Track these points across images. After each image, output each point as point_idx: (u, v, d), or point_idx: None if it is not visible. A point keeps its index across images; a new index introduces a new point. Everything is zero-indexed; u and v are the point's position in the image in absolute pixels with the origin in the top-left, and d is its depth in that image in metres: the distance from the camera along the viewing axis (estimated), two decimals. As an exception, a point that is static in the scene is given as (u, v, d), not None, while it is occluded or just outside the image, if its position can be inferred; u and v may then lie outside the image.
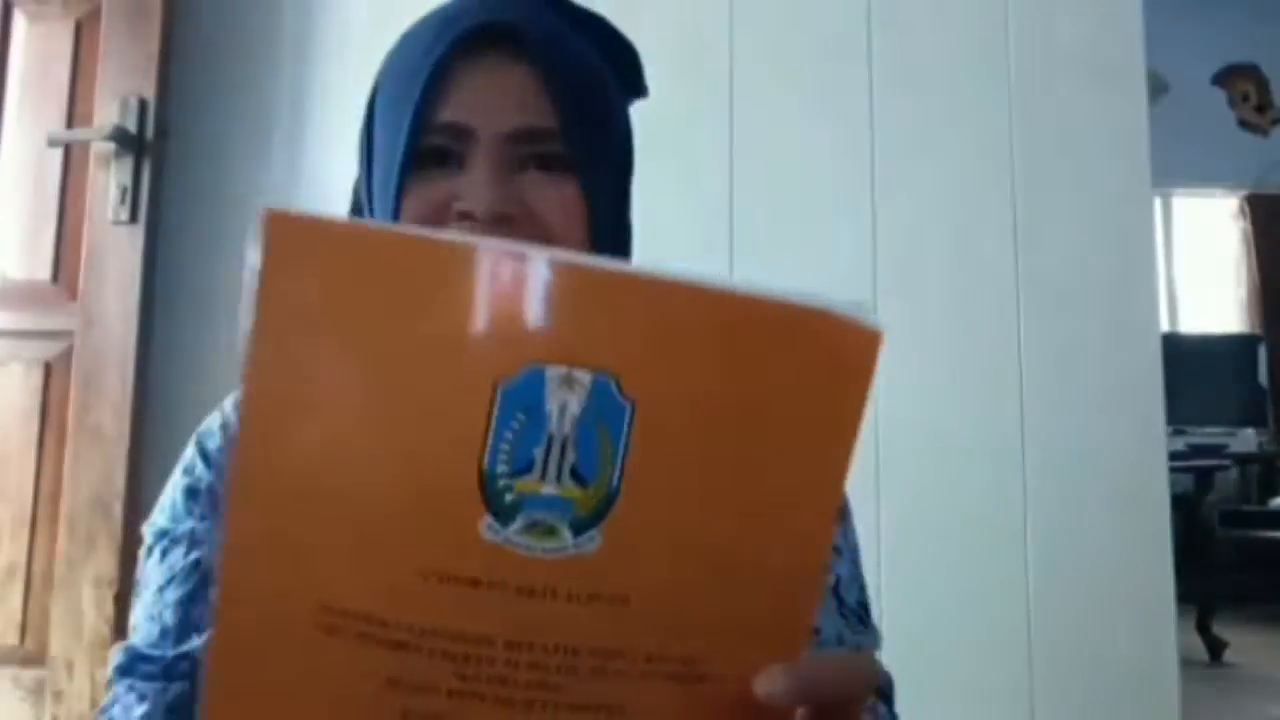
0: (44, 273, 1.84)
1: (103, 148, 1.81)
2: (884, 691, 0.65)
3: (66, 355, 1.80)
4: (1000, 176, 1.81)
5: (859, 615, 0.67)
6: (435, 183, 0.61)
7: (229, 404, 0.71)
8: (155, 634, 0.64)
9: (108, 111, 1.81)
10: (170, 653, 0.63)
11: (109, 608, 1.70)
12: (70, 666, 1.70)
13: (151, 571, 0.66)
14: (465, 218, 0.59)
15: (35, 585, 1.76)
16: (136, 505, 1.74)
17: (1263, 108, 5.32)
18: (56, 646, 1.71)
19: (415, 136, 0.60)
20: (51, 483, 1.77)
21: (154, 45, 1.82)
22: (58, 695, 1.70)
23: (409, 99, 0.60)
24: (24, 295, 1.84)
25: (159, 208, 1.83)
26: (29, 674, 1.73)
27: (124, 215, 1.79)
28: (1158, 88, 3.74)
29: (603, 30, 0.67)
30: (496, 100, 0.60)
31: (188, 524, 0.67)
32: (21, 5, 1.91)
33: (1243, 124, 5.32)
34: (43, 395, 1.81)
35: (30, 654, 1.74)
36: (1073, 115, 1.81)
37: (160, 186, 1.83)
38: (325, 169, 1.87)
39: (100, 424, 1.75)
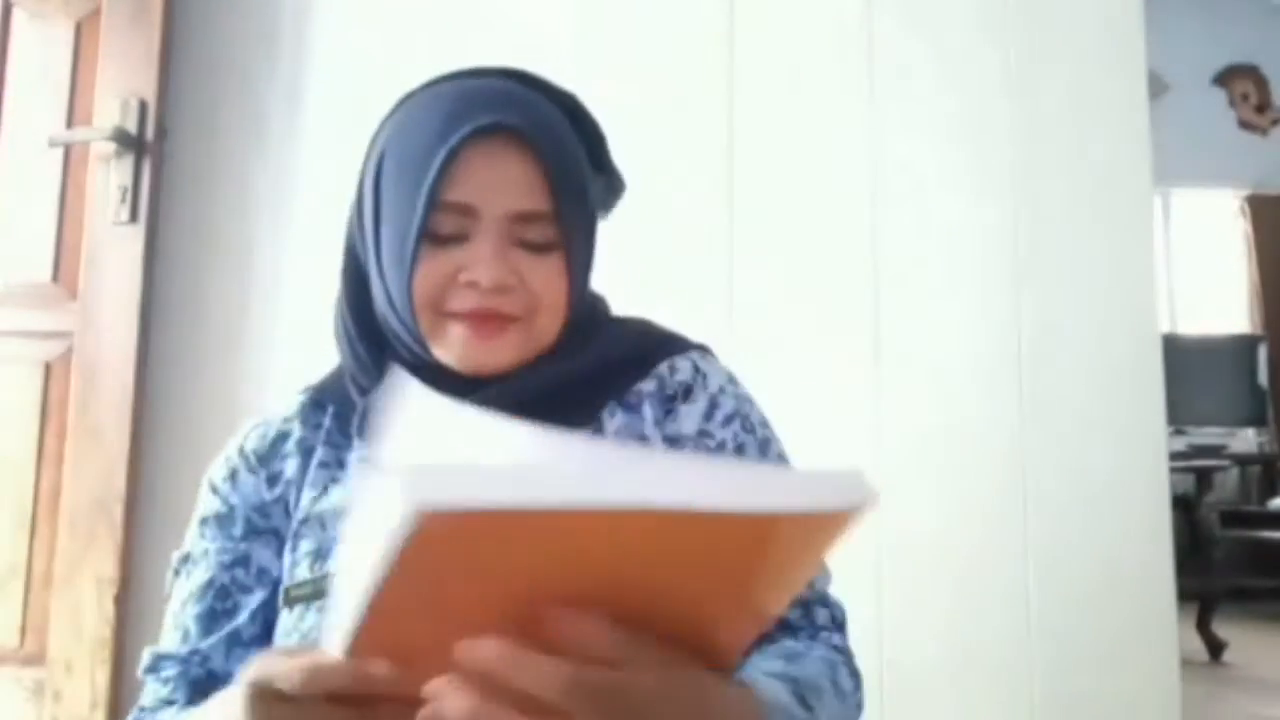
0: (44, 273, 1.84)
1: (103, 148, 1.81)
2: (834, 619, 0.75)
3: (66, 355, 1.80)
4: (1000, 176, 1.81)
5: None
6: (443, 255, 0.70)
7: (233, 447, 0.81)
8: (177, 639, 0.75)
9: (108, 111, 1.81)
10: (186, 650, 0.74)
11: (109, 608, 1.70)
12: (70, 667, 1.70)
13: (177, 590, 0.77)
14: (471, 286, 0.70)
15: (35, 585, 1.76)
16: (136, 505, 1.74)
17: (1263, 108, 5.32)
18: (56, 647, 1.71)
19: (427, 215, 0.69)
20: (51, 483, 1.77)
21: (154, 45, 1.82)
22: (57, 695, 1.70)
23: (421, 181, 0.69)
24: (24, 295, 1.84)
25: (159, 208, 1.83)
26: (29, 674, 1.73)
27: (124, 215, 1.79)
28: (1158, 88, 3.74)
29: (574, 107, 0.77)
30: (500, 186, 0.70)
31: (201, 545, 0.77)
32: (21, 5, 1.91)
33: (1243, 124, 5.31)
34: (43, 395, 1.81)
35: (30, 654, 1.74)
36: (1073, 115, 1.81)
37: (160, 186, 1.83)
38: (322, 169, 1.87)
39: (100, 424, 1.75)
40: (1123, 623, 1.69)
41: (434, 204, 0.69)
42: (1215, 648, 3.33)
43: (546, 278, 0.72)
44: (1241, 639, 3.49)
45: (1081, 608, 1.70)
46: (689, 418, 0.76)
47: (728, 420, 0.76)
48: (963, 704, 1.67)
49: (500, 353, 0.71)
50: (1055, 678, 1.68)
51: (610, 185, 0.81)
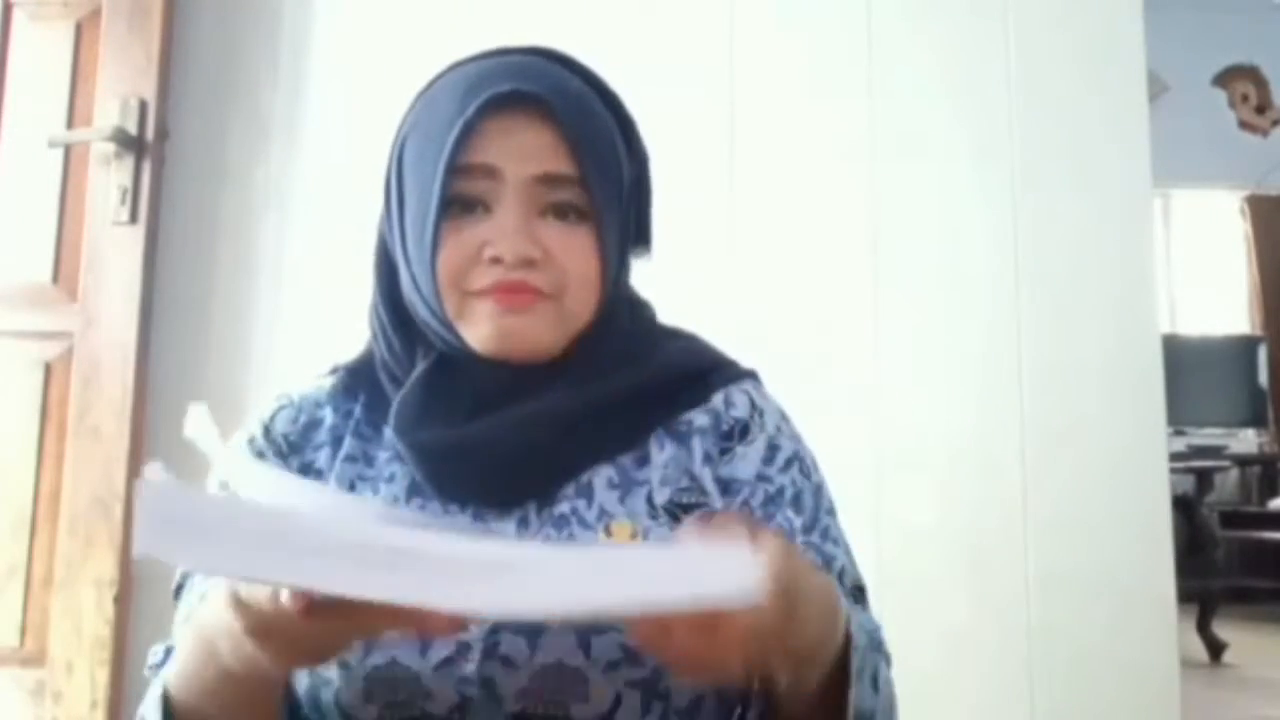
0: (44, 273, 1.84)
1: (103, 148, 1.81)
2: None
3: (66, 355, 1.80)
4: (1000, 176, 1.81)
5: (854, 596, 0.74)
6: (466, 230, 0.67)
7: (257, 426, 0.75)
8: None
9: (108, 112, 1.81)
10: None
11: (109, 608, 1.70)
12: (70, 667, 1.70)
13: (198, 580, 0.70)
14: (496, 262, 0.66)
15: (35, 586, 1.76)
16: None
17: (1263, 108, 5.32)
18: (56, 647, 1.71)
19: (447, 183, 0.66)
20: (51, 483, 1.77)
21: (154, 45, 1.82)
22: (58, 696, 1.70)
23: (440, 150, 0.67)
24: (24, 295, 1.84)
25: (159, 208, 1.83)
26: (29, 674, 1.73)
27: (124, 215, 1.79)
28: (1158, 88, 3.74)
29: (610, 97, 0.74)
30: (520, 152, 0.67)
31: None
32: (21, 5, 1.91)
33: (1243, 124, 5.32)
34: (43, 395, 1.81)
35: (30, 655, 1.74)
36: (1073, 115, 1.81)
37: (160, 186, 1.83)
38: (323, 169, 1.87)
39: (100, 424, 1.75)
40: (1123, 623, 1.69)
41: (452, 170, 0.66)
42: (1215, 649, 3.33)
43: (575, 249, 0.68)
44: (1241, 640, 3.49)
45: (1081, 608, 1.70)
46: (746, 461, 0.73)
47: (786, 465, 0.74)
48: (963, 704, 1.67)
49: (532, 329, 0.68)
50: (1055, 678, 1.68)
51: (642, 181, 0.77)
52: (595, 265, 0.69)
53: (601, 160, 0.69)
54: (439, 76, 0.73)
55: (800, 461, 0.75)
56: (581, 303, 0.69)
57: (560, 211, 0.68)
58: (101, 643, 1.69)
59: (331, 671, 0.65)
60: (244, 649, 0.51)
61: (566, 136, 0.67)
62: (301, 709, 0.67)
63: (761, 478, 0.73)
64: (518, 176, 0.67)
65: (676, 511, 0.70)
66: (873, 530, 1.68)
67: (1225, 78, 5.30)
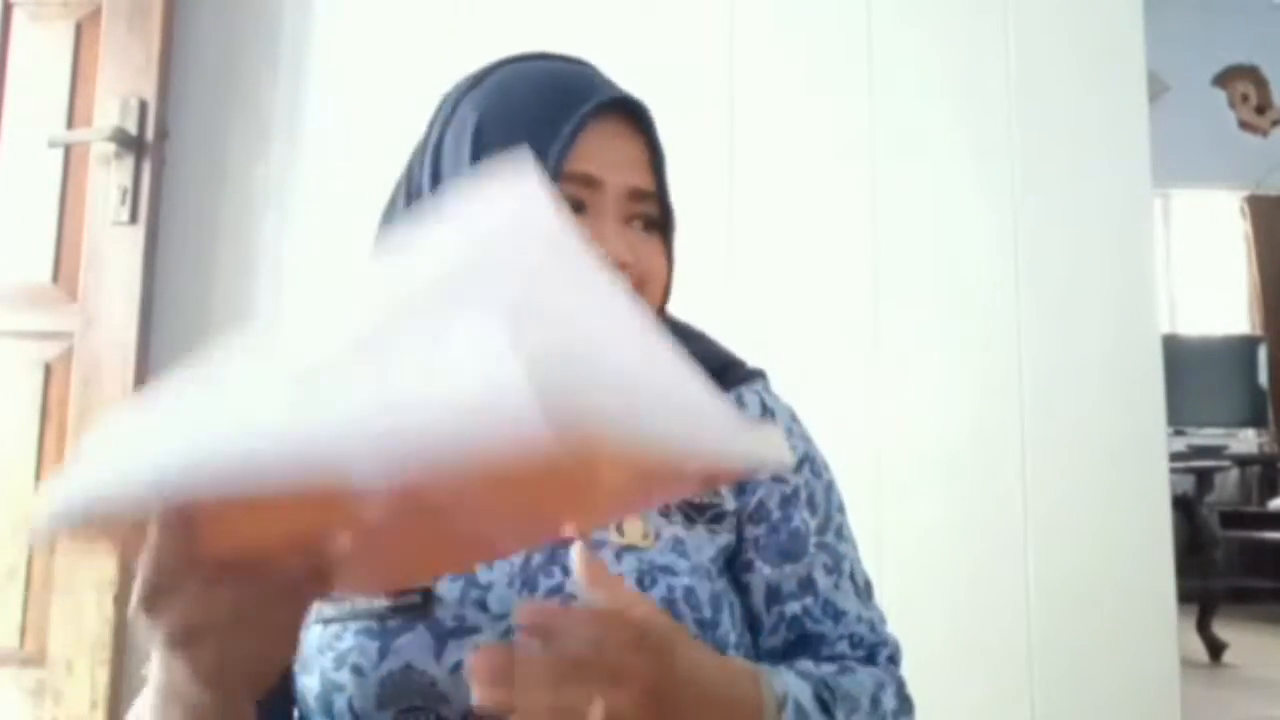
0: (44, 273, 1.84)
1: (103, 148, 1.81)
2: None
3: (66, 355, 1.80)
4: (1000, 176, 1.81)
5: (868, 594, 0.77)
6: None
7: None
8: None
9: (108, 112, 1.81)
10: None
11: (109, 609, 1.70)
12: (70, 667, 1.70)
13: None
14: None
15: (35, 587, 1.76)
16: (136, 505, 1.74)
17: (1263, 108, 5.32)
18: (57, 648, 1.71)
19: (553, 183, 0.68)
20: (51, 483, 1.77)
21: (154, 45, 1.82)
22: (58, 696, 1.70)
23: (544, 151, 0.67)
24: (24, 295, 1.84)
25: (159, 208, 1.83)
26: (29, 675, 1.73)
27: (124, 215, 1.79)
28: (1158, 88, 3.74)
29: None
30: (621, 161, 0.71)
31: None
32: (21, 5, 1.91)
33: (1243, 125, 5.31)
34: (43, 395, 1.81)
35: (30, 655, 1.74)
36: (1073, 115, 1.81)
37: (160, 186, 1.83)
38: (323, 169, 1.87)
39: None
40: (1123, 623, 1.69)
41: (558, 175, 0.67)
42: (1215, 649, 3.33)
43: (654, 256, 0.72)
44: (1241, 640, 3.49)
45: (1081, 608, 1.70)
46: None
47: (799, 465, 0.75)
48: (963, 704, 1.67)
49: None
50: (1055, 678, 1.68)
51: None
52: (665, 273, 0.73)
53: (666, 173, 0.74)
54: (505, 66, 0.73)
55: (812, 462, 0.76)
56: (651, 305, 0.72)
57: (643, 220, 0.72)
58: (101, 643, 1.69)
59: (345, 677, 0.65)
60: (178, 685, 0.48)
61: (650, 150, 0.72)
62: (308, 715, 0.66)
63: (777, 479, 0.74)
64: (617, 187, 0.70)
65: (690, 512, 0.70)
66: (873, 530, 1.68)
67: (1225, 78, 5.30)
